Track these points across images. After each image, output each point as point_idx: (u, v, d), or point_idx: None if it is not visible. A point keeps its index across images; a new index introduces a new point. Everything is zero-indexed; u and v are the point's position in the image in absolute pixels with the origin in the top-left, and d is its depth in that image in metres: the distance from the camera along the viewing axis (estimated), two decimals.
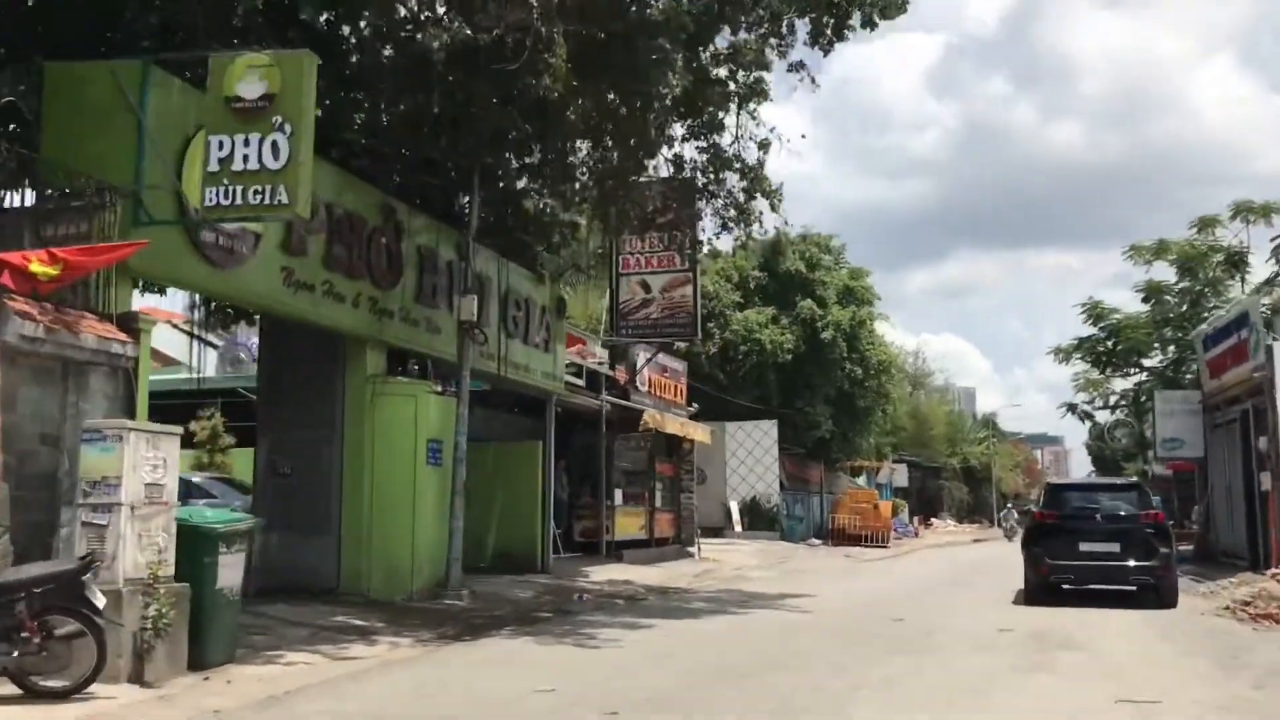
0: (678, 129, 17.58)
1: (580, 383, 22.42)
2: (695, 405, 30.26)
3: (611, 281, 24.96)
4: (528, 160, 17.67)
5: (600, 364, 24.54)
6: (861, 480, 51.24)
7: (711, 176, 18.13)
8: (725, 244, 24.05)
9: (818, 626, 14.51)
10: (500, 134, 15.41)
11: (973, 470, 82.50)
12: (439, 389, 16.27)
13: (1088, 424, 33.64)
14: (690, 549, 28.43)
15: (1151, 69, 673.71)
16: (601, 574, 21.06)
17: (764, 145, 17.63)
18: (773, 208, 18.40)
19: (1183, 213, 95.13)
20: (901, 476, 60.54)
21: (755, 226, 18.81)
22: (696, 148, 17.99)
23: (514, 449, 21.22)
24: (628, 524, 24.88)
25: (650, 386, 25.96)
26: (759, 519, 41.27)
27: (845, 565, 29.83)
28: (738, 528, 38.08)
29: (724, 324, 41.21)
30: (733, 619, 15.49)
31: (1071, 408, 30.71)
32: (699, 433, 27.47)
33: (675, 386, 27.80)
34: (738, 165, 18.03)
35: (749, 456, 41.57)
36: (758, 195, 18.34)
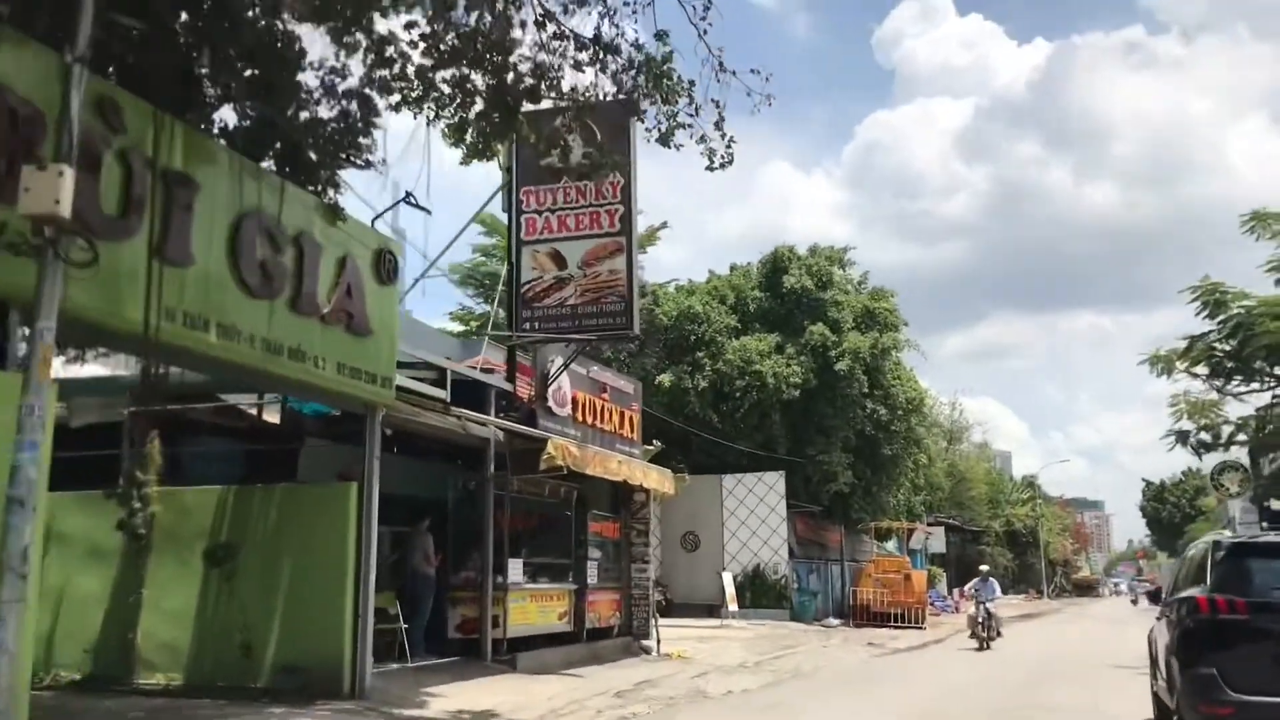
0: None
1: (441, 395, 14.20)
2: (657, 444, 21.98)
3: (510, 252, 16.82)
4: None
5: (489, 371, 16.36)
6: (891, 545, 42.47)
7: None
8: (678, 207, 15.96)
9: None
10: None
11: (1017, 534, 73.38)
12: None
13: (1202, 458, 24.70)
14: (646, 641, 19.99)
15: (1184, 129, 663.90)
16: (459, 699, 12.72)
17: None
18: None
19: (1219, 271, 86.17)
20: (938, 541, 51.67)
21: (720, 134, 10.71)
22: None
23: (307, 495, 13.10)
24: (532, 611, 16.50)
25: (578, 410, 17.72)
26: (764, 593, 32.70)
27: (863, 662, 21.18)
28: (732, 606, 29.51)
29: (717, 353, 33.02)
30: None
31: (1182, 437, 21.79)
32: (655, 478, 19.11)
33: (621, 414, 19.54)
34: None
35: (751, 516, 33.16)
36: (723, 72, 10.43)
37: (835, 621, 32.44)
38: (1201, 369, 21.37)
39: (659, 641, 20.08)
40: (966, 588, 33.21)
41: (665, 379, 32.57)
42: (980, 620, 25.11)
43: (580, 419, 17.82)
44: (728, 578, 30.29)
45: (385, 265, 12.66)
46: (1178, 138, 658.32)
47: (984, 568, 28.86)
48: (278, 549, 12.86)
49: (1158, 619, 11.78)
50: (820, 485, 34.08)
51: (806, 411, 33.81)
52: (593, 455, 16.40)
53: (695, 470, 34.62)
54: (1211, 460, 27.10)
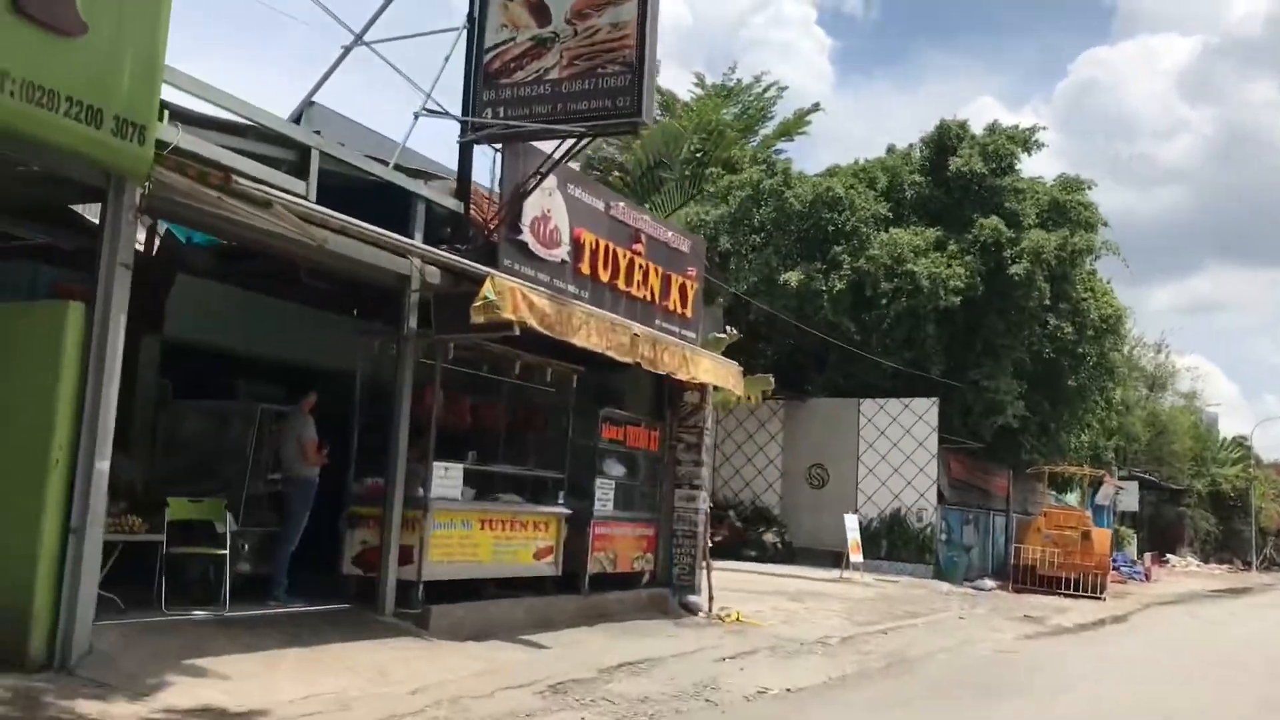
0: None
1: (289, 186, 8.53)
2: (731, 331, 15.87)
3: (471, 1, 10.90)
4: None
5: (434, 181, 10.58)
6: (1071, 498, 35.11)
7: None
8: None
9: None
10: None
11: (1223, 497, 63.62)
12: None
13: None
14: (692, 596, 14.14)
15: None
16: (225, 687, 7.24)
17: None
18: None
19: None
20: (1130, 497, 43.66)
21: None
22: None
23: (3, 323, 7.76)
24: (480, 543, 10.80)
25: (584, 258, 11.87)
26: (904, 544, 26.26)
27: (1003, 648, 14.69)
28: (855, 555, 23.26)
29: (860, 247, 26.40)
30: None
31: None
32: (708, 369, 13.06)
33: (666, 278, 13.56)
34: None
35: (893, 450, 26.71)
36: None
37: (990, 584, 25.77)
38: None
39: (711, 598, 14.20)
40: None
41: (792, 277, 26.19)
42: None
43: (587, 272, 11.92)
44: (851, 521, 23.96)
45: None
46: None
47: None
48: None
49: None
50: (983, 417, 27.15)
51: (969, 325, 26.88)
52: (580, 316, 10.50)
53: (827, 391, 28.37)
54: None
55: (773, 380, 16.44)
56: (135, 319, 10.88)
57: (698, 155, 30.16)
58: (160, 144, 7.34)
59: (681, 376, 12.58)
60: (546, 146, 10.75)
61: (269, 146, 8.67)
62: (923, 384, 26.71)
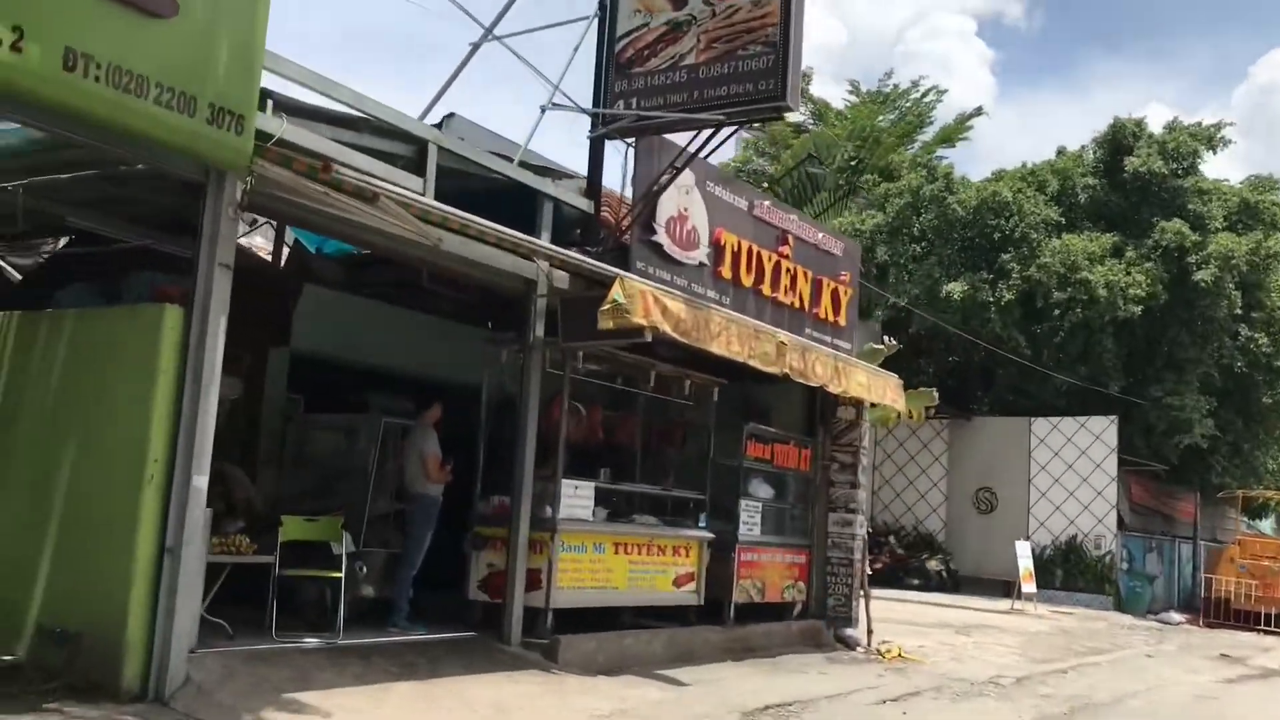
0: None
1: (406, 184, 7.92)
2: (891, 341, 14.69)
3: None
4: None
5: (563, 180, 9.89)
6: (1266, 525, 32.31)
7: None
8: None
9: None
10: None
11: None
12: None
13: None
14: (849, 630, 13.04)
15: None
16: None
17: None
18: None
19: None
20: None
21: None
22: None
23: (103, 328, 7.31)
24: (615, 569, 10.00)
25: (725, 260, 11.00)
26: (1080, 573, 24.40)
27: (1205, 692, 13.03)
28: (1028, 585, 21.62)
29: (1029, 255, 24.75)
30: None
31: None
32: (863, 382, 11.96)
33: (817, 283, 12.56)
34: None
35: (1068, 473, 24.86)
36: None
37: (1177, 618, 23.69)
38: None
39: (869, 631, 13.07)
40: None
41: (956, 288, 24.70)
42: None
43: (728, 276, 11.03)
44: (1023, 548, 22.33)
45: None
46: None
47: None
48: (57, 424, 7.20)
49: None
50: (1166, 437, 25.06)
51: (1151, 337, 24.89)
52: (720, 322, 9.62)
53: (995, 410, 26.70)
54: None
55: (936, 396, 15.19)
56: (262, 330, 10.55)
57: (852, 163, 28.90)
58: (262, 135, 6.82)
59: (834, 389, 11.54)
60: (682, 140, 9.92)
61: (383, 141, 8.09)
62: (1099, 401, 24.84)
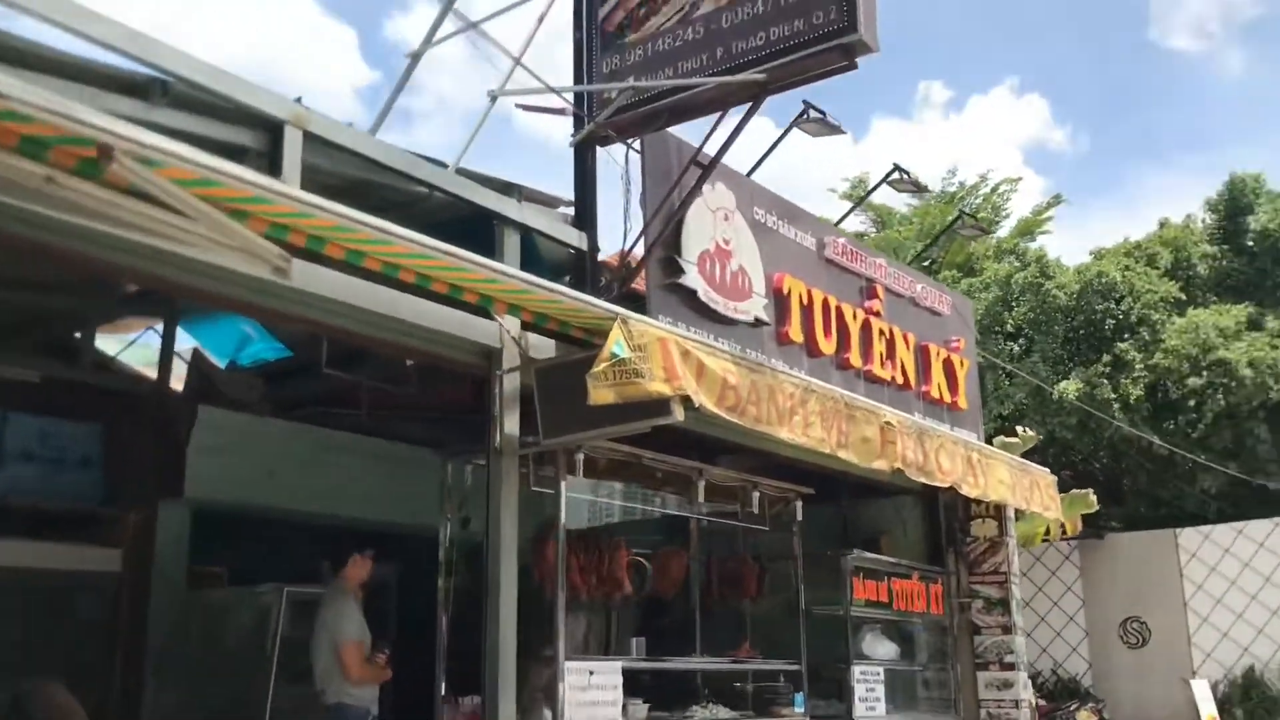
0: None
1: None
2: (1028, 433, 11.03)
3: None
4: None
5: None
6: None
7: None
8: None
9: None
10: None
11: None
12: None
13: None
14: None
15: None
16: None
17: None
18: None
19: None
20: None
21: None
22: None
23: None
24: None
25: (790, 316, 7.57)
26: (1266, 711, 19.79)
27: None
28: None
29: (1151, 340, 20.99)
30: None
31: None
32: (1008, 481, 8.34)
33: (923, 350, 9.06)
34: None
35: (1231, 590, 20.46)
36: None
37: None
38: None
39: None
40: None
41: (1069, 387, 20.90)
42: None
43: (797, 339, 7.57)
44: (1201, 688, 17.91)
45: None
46: None
47: None
48: None
49: None
50: None
51: None
52: (791, 391, 6.13)
53: (1128, 524, 22.50)
54: None
55: (1094, 498, 11.43)
56: (150, 480, 7.25)
57: (925, 265, 25.60)
58: None
59: (969, 491, 7.87)
60: (706, 129, 6.61)
61: (201, 121, 4.86)
62: (1255, 502, 20.70)
